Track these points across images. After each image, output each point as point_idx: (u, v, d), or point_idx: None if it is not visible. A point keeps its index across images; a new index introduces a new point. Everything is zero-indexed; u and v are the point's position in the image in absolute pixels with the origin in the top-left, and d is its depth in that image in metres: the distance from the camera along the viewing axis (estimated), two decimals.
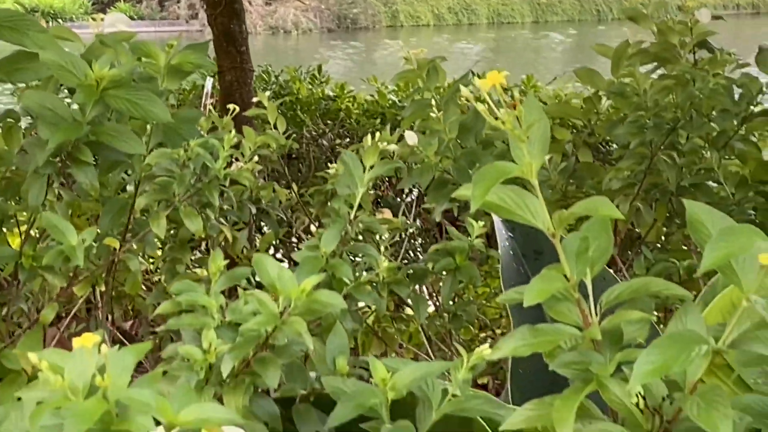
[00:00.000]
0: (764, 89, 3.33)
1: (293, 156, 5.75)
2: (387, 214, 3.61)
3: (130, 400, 1.09)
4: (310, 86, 6.41)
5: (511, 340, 1.18)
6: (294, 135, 5.21)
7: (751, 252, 1.06)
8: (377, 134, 1.87)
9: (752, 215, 3.25)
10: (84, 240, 1.79)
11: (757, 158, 3.45)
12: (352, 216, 1.83)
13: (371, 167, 1.82)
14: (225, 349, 1.36)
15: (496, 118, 1.17)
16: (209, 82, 5.05)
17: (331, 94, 6.21)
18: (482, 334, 3.62)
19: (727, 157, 3.35)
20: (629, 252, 3.43)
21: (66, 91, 2.25)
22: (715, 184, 3.25)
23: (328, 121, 5.88)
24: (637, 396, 1.15)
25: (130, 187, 2.26)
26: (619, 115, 3.46)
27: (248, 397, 1.43)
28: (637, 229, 3.51)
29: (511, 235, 2.35)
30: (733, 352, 1.17)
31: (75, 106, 2.01)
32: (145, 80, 2.04)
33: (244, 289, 1.52)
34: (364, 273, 2.05)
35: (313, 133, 5.86)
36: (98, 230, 2.02)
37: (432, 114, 2.80)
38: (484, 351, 1.43)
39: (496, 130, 2.99)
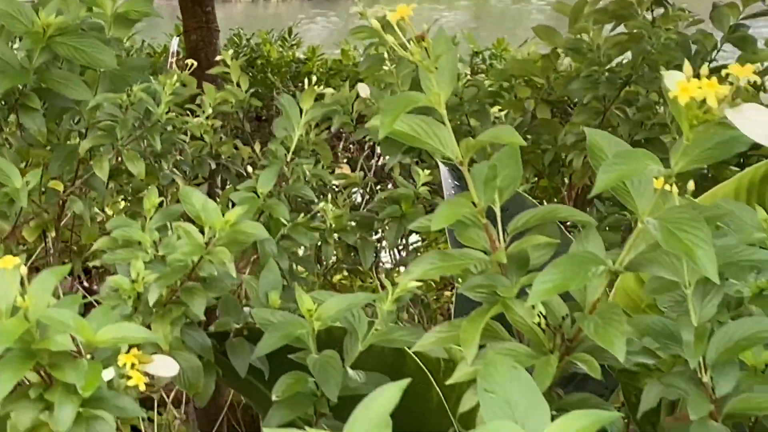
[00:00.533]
0: (718, 45, 3.36)
1: (263, 118, 5.79)
2: (345, 169, 3.65)
3: (50, 320, 1.13)
4: (281, 49, 6.43)
5: (421, 264, 1.23)
6: (262, 95, 5.25)
7: (646, 175, 1.11)
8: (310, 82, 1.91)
9: (705, 169, 3.29)
10: (28, 182, 1.82)
11: None
12: (288, 158, 1.87)
13: (307, 111, 1.86)
14: (152, 278, 1.40)
15: (406, 50, 1.20)
16: (175, 42, 5.07)
17: (302, 56, 6.23)
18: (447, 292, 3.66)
19: None
20: (587, 206, 3.47)
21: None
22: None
23: (299, 83, 5.90)
24: (540, 317, 1.19)
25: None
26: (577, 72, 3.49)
27: (179, 329, 1.48)
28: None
29: (457, 183, 2.39)
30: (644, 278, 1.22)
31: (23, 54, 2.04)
32: (92, 28, 2.07)
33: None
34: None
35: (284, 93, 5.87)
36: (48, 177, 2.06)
37: (385, 68, 2.83)
38: (409, 283, 1.47)
39: None
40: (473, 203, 1.23)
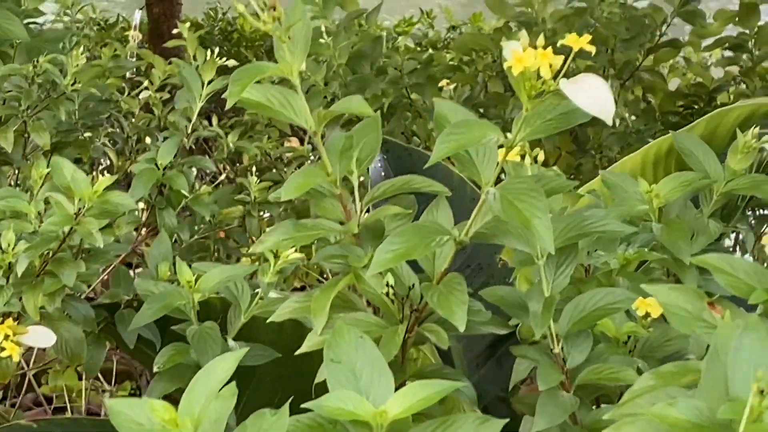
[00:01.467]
0: (668, 19, 3.35)
1: None
2: (294, 142, 3.64)
3: None
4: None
5: (275, 234, 1.23)
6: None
7: (485, 145, 1.10)
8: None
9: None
10: None
11: (663, 89, 3.50)
12: (189, 129, 1.86)
13: (209, 82, 1.86)
14: (22, 249, 1.41)
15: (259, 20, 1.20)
16: (137, 15, 5.05)
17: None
18: None
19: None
20: None
21: None
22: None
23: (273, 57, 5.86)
24: (390, 287, 1.19)
25: None
26: None
27: (60, 299, 1.48)
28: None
29: (384, 156, 2.38)
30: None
31: None
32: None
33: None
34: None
35: None
36: None
37: (321, 40, 2.83)
38: (291, 255, 1.47)
39: (391, 58, 3.03)
40: (327, 173, 1.23)
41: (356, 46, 2.99)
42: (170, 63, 3.26)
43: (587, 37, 1.09)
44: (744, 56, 3.26)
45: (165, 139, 1.79)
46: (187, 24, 3.61)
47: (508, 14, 3.53)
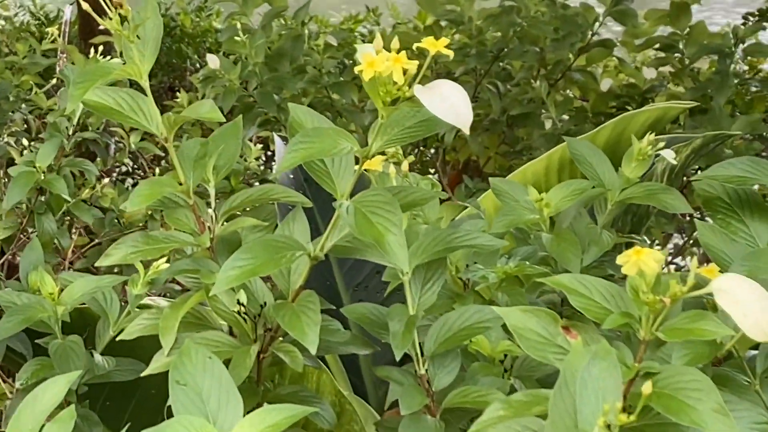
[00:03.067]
0: (600, 19, 3.30)
1: (177, 89, 5.67)
2: None
3: None
4: (197, 18, 6.31)
5: (123, 246, 1.15)
6: (175, 66, 5.14)
7: (338, 154, 1.03)
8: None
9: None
10: None
11: (595, 89, 3.44)
12: (71, 131, 1.78)
13: None
14: None
15: (103, 17, 1.12)
16: (68, 11, 4.95)
17: (219, 26, 6.10)
18: None
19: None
20: (459, 182, 3.40)
21: None
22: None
23: (214, 52, 5.78)
24: (242, 305, 1.12)
25: None
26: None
27: None
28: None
29: None
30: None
31: None
32: None
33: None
34: None
35: (198, 65, 5.76)
36: None
37: (237, 38, 2.75)
38: (161, 265, 1.39)
39: (311, 56, 2.96)
40: (180, 182, 1.15)
41: (276, 44, 2.91)
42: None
43: (444, 40, 1.02)
44: (675, 57, 3.20)
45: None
46: (116, 18, 3.52)
47: (436, 12, 3.46)
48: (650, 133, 1.45)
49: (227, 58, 2.95)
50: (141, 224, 2.33)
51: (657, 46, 3.24)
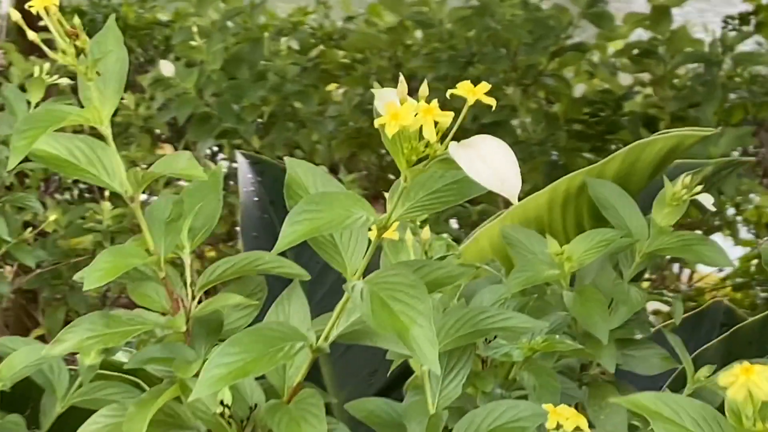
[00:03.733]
0: (574, 21, 3.12)
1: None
2: (167, 149, 3.34)
3: None
4: (141, 10, 6.05)
5: (78, 330, 0.94)
6: None
7: (346, 226, 0.82)
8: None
9: (555, 156, 3.06)
10: None
11: (568, 95, 3.26)
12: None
13: (37, 104, 1.55)
14: None
15: (56, 49, 0.91)
16: (5, 3, 4.70)
17: (164, 19, 5.86)
18: None
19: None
20: None
21: None
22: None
23: (161, 48, 5.54)
24: (226, 406, 0.91)
25: None
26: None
27: None
28: None
29: (259, 179, 2.10)
30: None
31: None
32: None
33: None
34: None
35: (141, 60, 5.53)
36: None
37: (193, 42, 2.53)
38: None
39: (272, 62, 2.75)
40: (148, 251, 0.94)
41: (234, 48, 2.70)
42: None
43: (485, 86, 0.82)
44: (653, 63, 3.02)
45: None
46: (54, 14, 3.28)
47: (403, 12, 3.27)
48: (686, 175, 1.25)
49: (178, 61, 2.74)
50: (87, 251, 2.12)
51: (636, 51, 3.06)
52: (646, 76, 3.26)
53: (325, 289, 1.66)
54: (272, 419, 0.86)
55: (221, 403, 0.89)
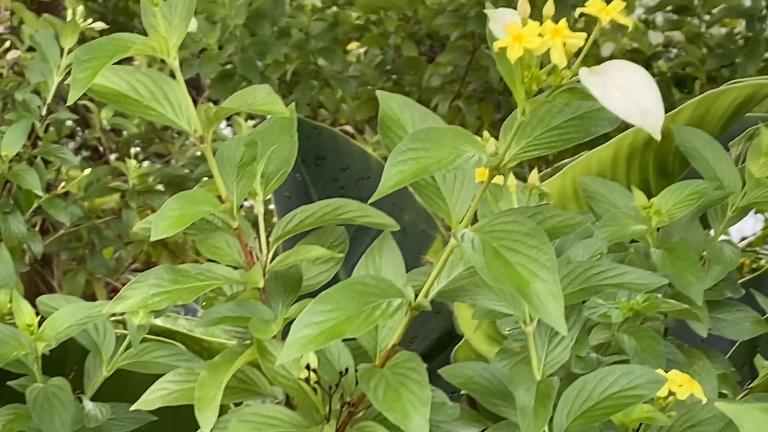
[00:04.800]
0: None
1: None
2: None
3: None
4: None
5: (142, 286, 0.84)
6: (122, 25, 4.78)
7: (458, 166, 0.72)
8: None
9: None
10: None
11: (595, 55, 3.15)
12: (44, 111, 1.45)
13: (70, 50, 1.44)
14: None
15: None
16: None
17: None
18: None
19: None
20: None
21: None
22: None
23: None
24: (312, 370, 0.81)
25: None
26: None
27: None
28: None
29: None
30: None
31: None
32: None
33: None
34: None
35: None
36: None
37: None
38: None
39: (296, 18, 2.64)
40: (220, 197, 0.84)
41: (255, 4, 2.58)
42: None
43: (620, 2, 0.71)
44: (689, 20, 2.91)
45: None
46: None
47: None
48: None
49: (199, 15, 2.63)
50: (113, 212, 2.02)
51: (670, 8, 2.95)
52: (676, 35, 3.15)
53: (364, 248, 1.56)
54: (367, 386, 0.76)
55: (306, 367, 0.79)
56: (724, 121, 1.50)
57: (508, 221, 0.73)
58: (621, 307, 0.97)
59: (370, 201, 0.70)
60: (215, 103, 2.54)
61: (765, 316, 1.19)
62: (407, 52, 3.21)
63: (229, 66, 2.45)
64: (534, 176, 0.87)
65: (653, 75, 3.03)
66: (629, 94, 0.68)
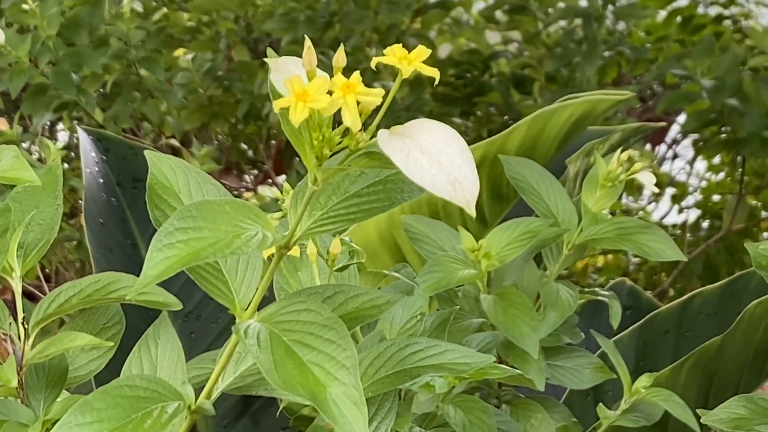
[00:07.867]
0: None
1: None
2: (2, 124, 3.05)
3: None
4: None
5: None
6: None
7: (235, 249, 0.59)
8: None
9: None
10: None
11: (432, 56, 3.05)
12: None
13: None
14: None
15: None
16: None
17: None
18: None
19: None
20: (287, 168, 2.99)
21: None
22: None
23: None
24: None
25: None
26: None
27: None
28: None
29: (104, 158, 1.86)
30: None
31: None
32: None
33: None
34: None
35: None
36: None
37: (25, 6, 2.25)
38: None
39: (115, 26, 2.48)
40: None
41: (70, 12, 2.42)
42: None
43: (424, 51, 0.60)
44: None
45: None
46: None
47: None
48: (621, 150, 1.06)
49: (10, 27, 2.45)
50: None
51: (506, 7, 2.87)
52: (514, 35, 3.09)
53: (192, 306, 1.42)
54: None
55: None
56: (560, 139, 1.41)
57: (301, 309, 0.61)
58: (446, 376, 0.86)
59: (130, 295, 0.57)
60: (29, 119, 2.37)
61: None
62: (239, 56, 3.07)
63: (43, 79, 2.28)
64: (336, 245, 0.75)
65: (492, 76, 2.96)
66: (438, 162, 0.56)
